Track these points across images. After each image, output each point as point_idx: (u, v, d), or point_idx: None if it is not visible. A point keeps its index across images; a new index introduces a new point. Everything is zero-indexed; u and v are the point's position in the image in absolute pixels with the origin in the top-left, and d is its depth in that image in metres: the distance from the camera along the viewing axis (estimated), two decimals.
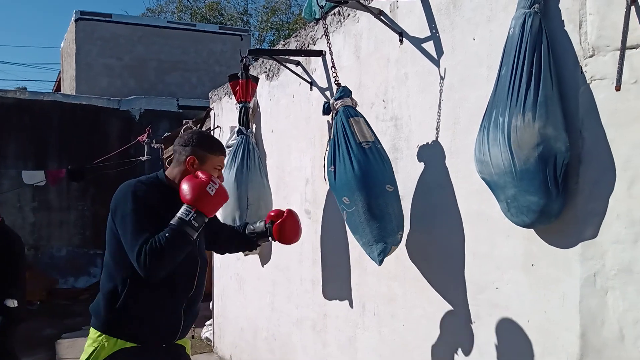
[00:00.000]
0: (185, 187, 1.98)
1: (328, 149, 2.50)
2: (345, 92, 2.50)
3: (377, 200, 2.31)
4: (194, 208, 1.95)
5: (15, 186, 9.02)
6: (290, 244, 2.41)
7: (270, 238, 2.38)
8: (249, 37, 14.53)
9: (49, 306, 8.37)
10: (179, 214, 1.96)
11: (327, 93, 3.24)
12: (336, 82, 2.59)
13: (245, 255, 4.31)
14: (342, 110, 2.44)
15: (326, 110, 2.56)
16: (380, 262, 2.38)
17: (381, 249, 2.35)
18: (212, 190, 1.98)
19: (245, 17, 21.75)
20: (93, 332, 2.06)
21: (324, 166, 2.60)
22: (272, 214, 2.38)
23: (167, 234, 1.92)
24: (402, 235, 2.42)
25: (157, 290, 2.03)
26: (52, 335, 6.57)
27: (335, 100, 2.49)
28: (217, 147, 2.18)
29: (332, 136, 2.47)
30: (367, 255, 2.45)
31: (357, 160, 2.32)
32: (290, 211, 2.37)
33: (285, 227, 2.33)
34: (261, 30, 21.63)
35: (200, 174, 2.03)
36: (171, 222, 1.94)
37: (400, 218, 2.40)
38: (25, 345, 4.87)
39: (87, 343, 2.07)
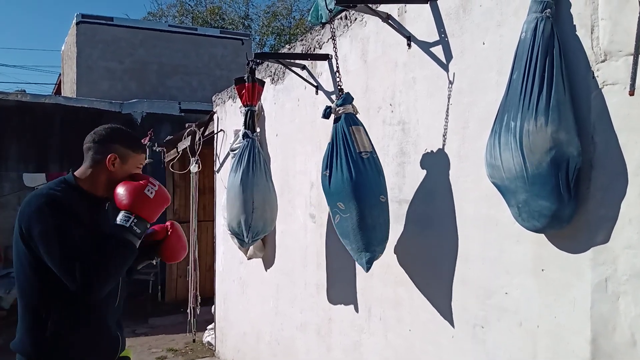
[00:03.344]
0: (121, 191, 1.80)
1: (325, 152, 2.51)
2: (348, 99, 2.51)
3: (371, 211, 2.36)
4: (133, 213, 1.77)
5: (16, 189, 8.97)
6: (177, 261, 2.21)
7: (155, 260, 2.15)
8: (250, 42, 14.60)
9: None
10: (117, 221, 1.77)
11: (333, 97, 3.24)
12: (339, 88, 2.59)
13: (249, 259, 4.30)
14: (344, 117, 2.46)
15: (327, 114, 2.56)
16: (368, 269, 2.44)
17: (370, 257, 2.42)
18: (152, 193, 1.82)
19: (247, 22, 21.83)
20: None
21: None
22: (155, 230, 2.12)
23: (107, 246, 1.72)
24: (387, 243, 2.47)
25: (84, 308, 1.80)
26: None
27: (338, 107, 2.50)
28: (139, 145, 1.99)
29: (330, 140, 2.48)
30: (356, 261, 2.50)
31: (357, 170, 2.35)
32: (173, 224, 2.16)
33: (172, 245, 2.12)
34: (262, 34, 21.72)
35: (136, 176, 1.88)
36: (110, 231, 1.75)
37: (388, 227, 2.46)
38: None
39: None
